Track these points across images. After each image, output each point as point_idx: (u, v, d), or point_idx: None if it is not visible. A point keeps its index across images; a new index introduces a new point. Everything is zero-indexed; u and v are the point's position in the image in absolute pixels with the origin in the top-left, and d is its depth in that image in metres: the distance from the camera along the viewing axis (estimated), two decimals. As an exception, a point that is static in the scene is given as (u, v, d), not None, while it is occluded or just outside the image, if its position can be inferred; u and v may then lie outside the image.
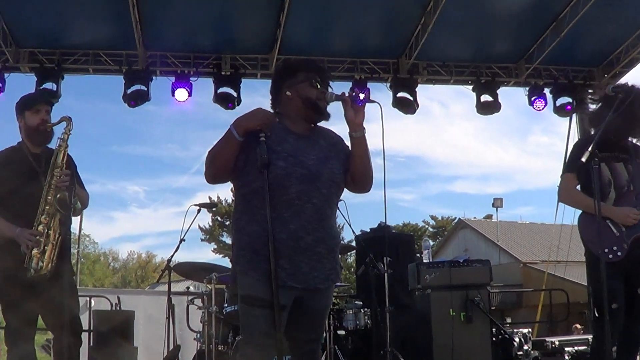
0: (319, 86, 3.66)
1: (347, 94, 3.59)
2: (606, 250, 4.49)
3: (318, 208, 3.53)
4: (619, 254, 4.63)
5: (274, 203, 3.43)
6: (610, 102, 4.57)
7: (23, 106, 4.72)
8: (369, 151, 3.66)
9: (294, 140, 3.60)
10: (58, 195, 4.37)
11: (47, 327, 4.72)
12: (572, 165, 4.91)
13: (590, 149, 4.16)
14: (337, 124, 3.76)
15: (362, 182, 3.72)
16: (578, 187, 4.93)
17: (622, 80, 9.95)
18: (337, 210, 3.96)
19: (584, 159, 4.14)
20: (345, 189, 3.82)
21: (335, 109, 3.69)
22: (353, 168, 3.68)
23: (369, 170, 3.70)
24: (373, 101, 3.66)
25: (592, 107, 5.10)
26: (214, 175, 3.64)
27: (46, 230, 4.40)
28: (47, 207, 4.44)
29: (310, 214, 3.50)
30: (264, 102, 3.91)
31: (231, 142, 3.49)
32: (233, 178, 3.67)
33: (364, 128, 3.59)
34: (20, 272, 4.35)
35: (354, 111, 3.55)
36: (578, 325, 13.67)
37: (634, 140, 4.96)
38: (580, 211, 4.90)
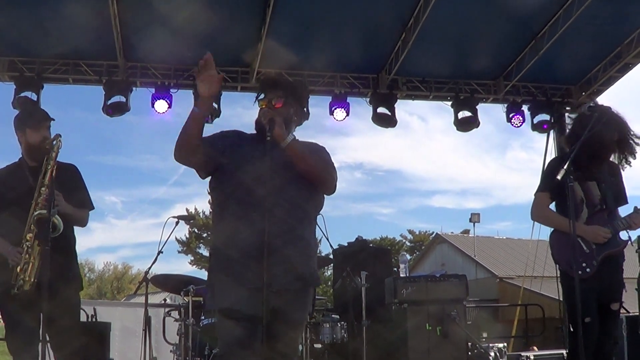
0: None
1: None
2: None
3: (287, 210, 3.57)
4: (587, 270, 4.73)
5: (243, 206, 3.52)
6: (585, 122, 4.63)
7: (24, 123, 4.70)
8: (304, 156, 3.67)
9: (264, 147, 3.62)
10: (37, 213, 4.35)
11: None
12: (545, 184, 4.98)
13: (565, 167, 4.21)
14: (316, 137, 3.80)
15: (315, 183, 3.75)
16: (552, 205, 5.00)
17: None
18: (317, 217, 3.99)
19: (559, 177, 4.19)
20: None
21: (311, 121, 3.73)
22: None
23: (314, 172, 3.71)
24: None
25: (569, 126, 5.17)
26: (180, 149, 3.62)
27: (28, 248, 4.38)
28: (33, 225, 4.43)
29: (280, 217, 3.52)
30: (244, 113, 4.00)
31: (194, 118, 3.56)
32: (212, 189, 3.76)
33: (285, 136, 3.62)
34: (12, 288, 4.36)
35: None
36: (535, 348, 13.66)
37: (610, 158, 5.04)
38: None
